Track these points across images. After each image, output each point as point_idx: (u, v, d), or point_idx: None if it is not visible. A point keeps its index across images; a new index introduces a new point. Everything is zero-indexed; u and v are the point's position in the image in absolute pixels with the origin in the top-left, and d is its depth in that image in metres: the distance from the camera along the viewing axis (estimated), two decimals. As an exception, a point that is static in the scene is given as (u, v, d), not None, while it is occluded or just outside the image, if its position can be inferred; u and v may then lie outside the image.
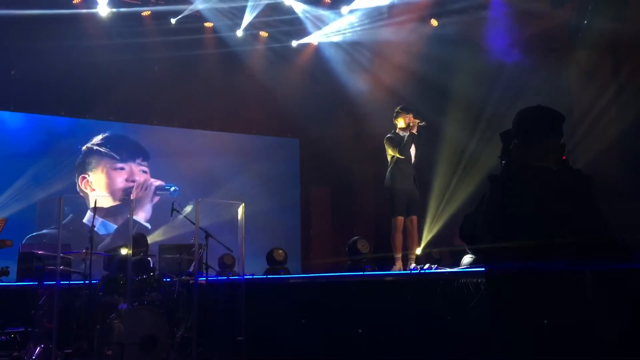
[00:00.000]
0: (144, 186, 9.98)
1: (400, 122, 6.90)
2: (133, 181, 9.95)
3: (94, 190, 9.72)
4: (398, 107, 7.06)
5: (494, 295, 2.81)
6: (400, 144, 6.75)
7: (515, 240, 2.60)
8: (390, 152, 6.85)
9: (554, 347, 2.53)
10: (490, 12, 8.59)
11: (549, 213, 2.58)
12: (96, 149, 9.91)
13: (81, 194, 9.68)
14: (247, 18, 9.57)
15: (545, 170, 2.72)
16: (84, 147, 9.83)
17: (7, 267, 6.25)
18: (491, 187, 2.84)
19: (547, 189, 2.65)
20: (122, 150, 10.03)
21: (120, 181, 9.93)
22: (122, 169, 9.98)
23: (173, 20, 9.47)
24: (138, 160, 10.10)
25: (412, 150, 6.90)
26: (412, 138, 6.79)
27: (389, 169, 6.84)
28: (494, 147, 3.36)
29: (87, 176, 9.77)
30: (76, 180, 9.71)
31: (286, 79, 10.43)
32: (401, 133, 6.88)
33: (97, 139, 9.95)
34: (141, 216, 9.89)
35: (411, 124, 6.82)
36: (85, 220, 9.46)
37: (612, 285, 2.60)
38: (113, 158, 9.95)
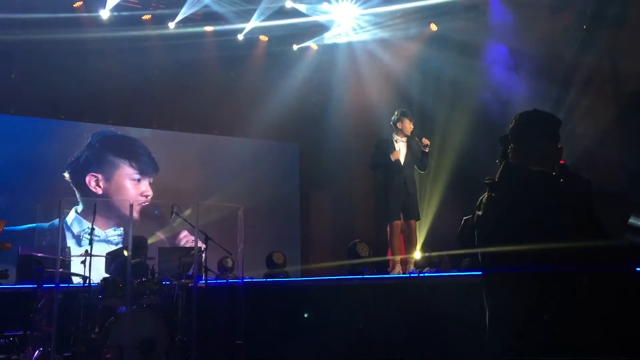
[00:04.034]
0: (186, 243, 9.78)
1: (402, 127, 6.88)
2: (147, 195, 9.92)
3: (100, 193, 9.67)
4: (399, 111, 7.03)
5: (493, 299, 2.80)
6: (387, 155, 6.79)
7: (511, 245, 2.60)
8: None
9: (550, 349, 2.53)
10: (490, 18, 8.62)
11: (546, 217, 2.58)
12: (113, 152, 9.89)
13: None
14: (252, 23, 9.57)
15: (542, 175, 2.72)
16: (94, 143, 9.79)
17: (6, 270, 6.24)
18: (488, 191, 2.83)
19: (544, 193, 2.65)
20: (139, 160, 10.05)
21: (136, 194, 9.88)
22: (138, 180, 9.98)
23: (172, 24, 9.47)
24: (153, 175, 10.11)
25: (403, 154, 6.89)
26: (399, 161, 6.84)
27: (382, 174, 6.87)
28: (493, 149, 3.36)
29: (97, 176, 9.72)
30: (67, 173, 9.56)
31: (286, 83, 10.44)
32: (395, 137, 6.88)
33: (111, 138, 9.95)
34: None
35: (418, 140, 6.83)
36: (69, 220, 9.34)
37: (609, 289, 2.60)
38: (132, 167, 9.95)
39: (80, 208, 9.58)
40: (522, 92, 7.87)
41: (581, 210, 2.63)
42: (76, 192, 9.60)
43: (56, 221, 8.97)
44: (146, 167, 10.08)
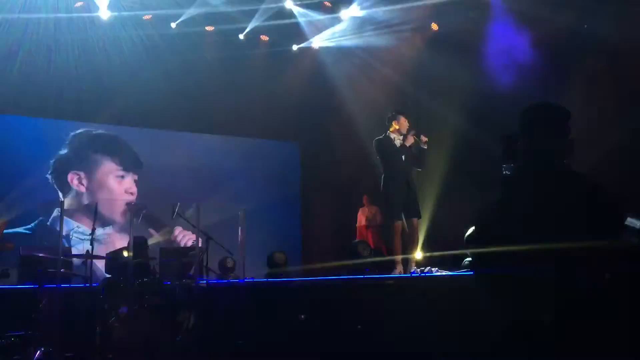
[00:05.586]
0: (182, 237, 9.76)
1: (396, 125, 6.87)
2: (131, 193, 9.86)
3: (84, 191, 9.59)
4: (394, 109, 7.02)
5: (502, 298, 2.74)
6: (386, 153, 6.77)
7: (532, 242, 2.51)
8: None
9: (556, 350, 2.51)
10: (491, 15, 8.62)
11: (566, 214, 2.51)
12: (94, 149, 9.83)
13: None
14: (253, 23, 9.58)
15: (558, 171, 2.65)
16: (74, 142, 9.71)
17: (7, 269, 6.25)
18: (504, 189, 2.76)
19: (563, 190, 2.57)
20: (122, 156, 9.99)
21: (121, 191, 9.82)
22: (122, 177, 9.90)
23: (173, 24, 9.47)
24: (137, 172, 10.04)
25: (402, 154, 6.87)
26: (402, 151, 6.79)
27: (382, 174, 6.86)
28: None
29: (79, 174, 9.64)
30: (49, 175, 9.46)
31: (287, 83, 10.44)
32: (392, 135, 6.86)
33: (91, 136, 9.88)
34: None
35: (414, 135, 6.79)
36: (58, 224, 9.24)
37: (627, 289, 2.57)
38: (115, 163, 9.87)
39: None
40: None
41: (599, 208, 2.56)
42: (59, 193, 9.48)
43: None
44: (129, 162, 9.97)
